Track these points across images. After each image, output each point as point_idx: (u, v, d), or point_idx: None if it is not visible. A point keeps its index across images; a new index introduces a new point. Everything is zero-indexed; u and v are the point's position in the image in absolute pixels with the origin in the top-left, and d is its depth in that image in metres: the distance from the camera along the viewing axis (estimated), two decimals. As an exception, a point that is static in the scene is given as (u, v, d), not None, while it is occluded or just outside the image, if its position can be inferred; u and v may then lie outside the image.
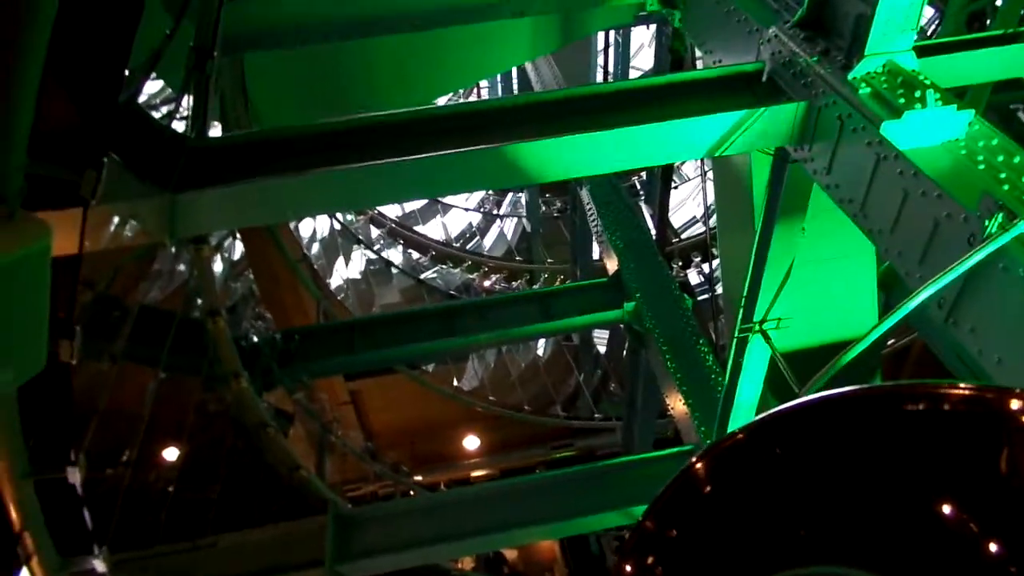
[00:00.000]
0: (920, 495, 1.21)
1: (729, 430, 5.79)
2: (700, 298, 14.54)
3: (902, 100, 3.39)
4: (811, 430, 1.37)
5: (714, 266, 14.18)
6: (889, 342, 12.46)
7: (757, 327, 4.77)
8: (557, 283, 17.49)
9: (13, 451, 3.22)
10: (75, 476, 3.33)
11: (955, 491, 1.18)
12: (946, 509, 1.17)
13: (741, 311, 4.88)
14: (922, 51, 3.76)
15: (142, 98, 4.34)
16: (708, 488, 1.41)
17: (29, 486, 3.37)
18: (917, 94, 3.38)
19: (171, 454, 7.07)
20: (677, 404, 6.75)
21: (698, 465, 1.45)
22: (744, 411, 5.33)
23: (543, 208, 19.79)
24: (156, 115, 6.03)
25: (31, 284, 2.36)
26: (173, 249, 4.92)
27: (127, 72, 3.55)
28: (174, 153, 3.94)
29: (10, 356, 2.37)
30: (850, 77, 3.68)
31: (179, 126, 4.42)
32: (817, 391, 1.51)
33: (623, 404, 10.61)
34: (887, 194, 3.32)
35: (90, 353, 4.16)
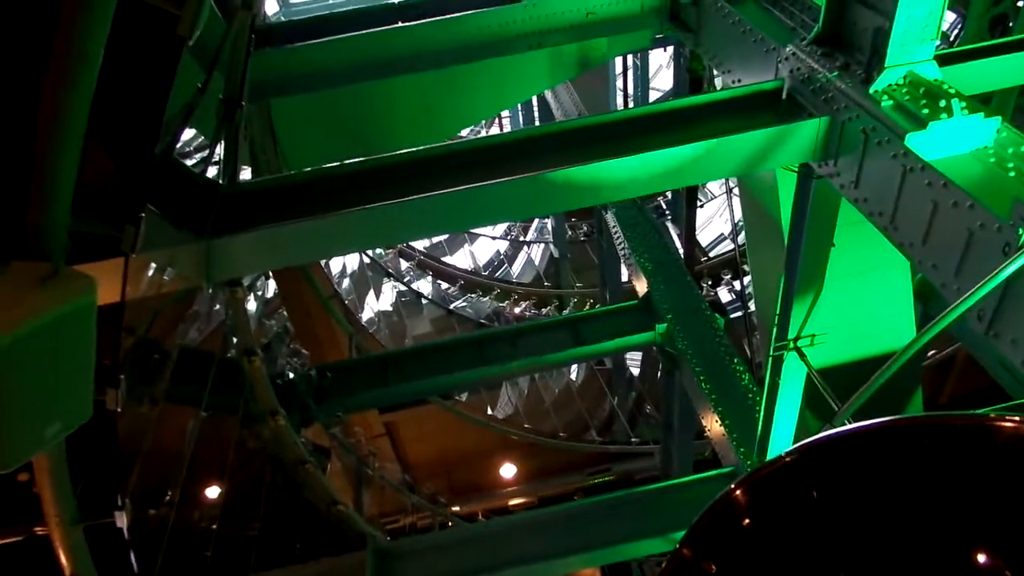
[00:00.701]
0: (969, 527, 1.19)
1: (769, 450, 5.69)
2: (732, 316, 14.35)
3: (926, 111, 3.36)
4: (851, 458, 1.35)
5: (745, 283, 14.04)
6: (930, 353, 12.14)
7: (792, 344, 4.71)
8: (587, 307, 17.55)
9: (62, 498, 3.30)
10: (122, 520, 3.39)
11: (1004, 526, 1.15)
12: (993, 545, 1.15)
13: (775, 329, 4.82)
14: (944, 59, 3.74)
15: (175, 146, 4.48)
16: (746, 515, 1.40)
17: (79, 532, 3.44)
18: (942, 103, 3.35)
19: (212, 492, 7.16)
20: (714, 425, 6.66)
21: (736, 492, 1.43)
22: (783, 429, 5.24)
23: (569, 233, 19.87)
24: (189, 162, 6.21)
25: (78, 337, 2.45)
26: (209, 292, 5.06)
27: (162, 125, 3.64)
28: (208, 200, 4.05)
29: (59, 408, 2.44)
30: (871, 90, 3.66)
31: (211, 171, 4.49)
32: (857, 409, 1.48)
33: (659, 427, 10.45)
34: (917, 206, 3.29)
35: (133, 397, 4.27)
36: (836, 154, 3.85)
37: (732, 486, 1.44)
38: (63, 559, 3.35)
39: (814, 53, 3.99)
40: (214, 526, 6.08)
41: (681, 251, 11.68)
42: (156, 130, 3.09)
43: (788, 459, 1.36)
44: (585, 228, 20.52)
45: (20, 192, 2.57)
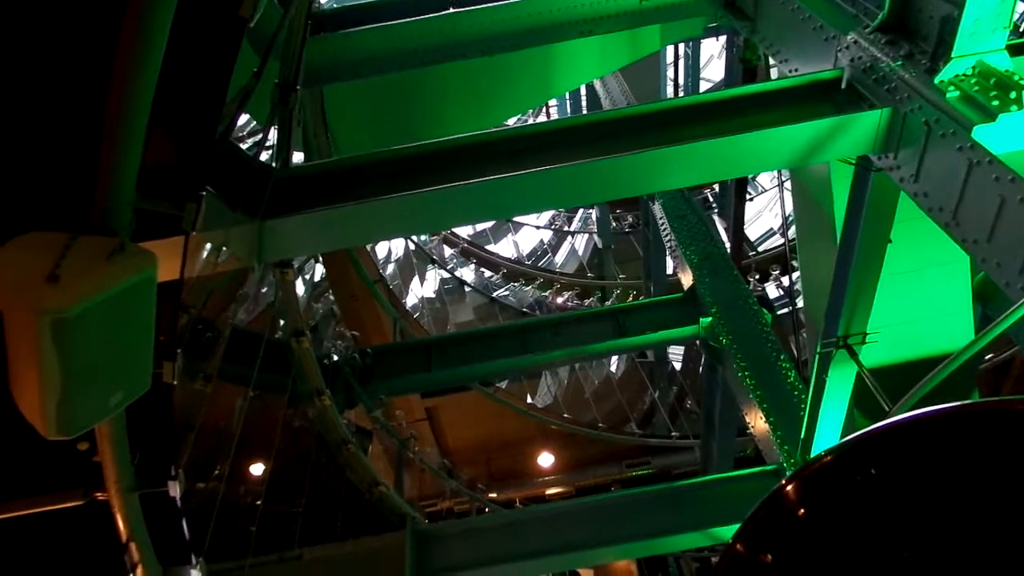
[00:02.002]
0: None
1: (814, 448, 5.59)
2: (779, 312, 14.08)
3: (996, 102, 3.23)
4: (907, 450, 1.32)
5: (794, 279, 13.76)
6: (987, 356, 11.71)
7: (841, 342, 4.59)
8: (630, 299, 17.35)
9: (121, 466, 3.45)
10: (175, 490, 3.53)
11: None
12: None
13: (823, 326, 4.72)
14: (1016, 49, 3.58)
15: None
16: (800, 510, 1.38)
17: (135, 499, 3.59)
18: (1012, 95, 3.21)
19: (257, 469, 7.38)
20: (758, 422, 6.56)
21: (788, 487, 1.42)
22: (828, 428, 5.14)
23: (614, 224, 19.76)
24: (243, 146, 6.38)
25: (140, 310, 2.55)
26: (260, 272, 5.22)
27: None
28: (261, 183, 4.13)
29: (121, 379, 2.55)
30: (936, 81, 3.53)
31: (265, 155, 4.58)
32: (909, 409, 1.45)
33: (700, 422, 10.36)
34: (982, 201, 3.16)
35: (187, 373, 4.43)
36: (896, 146, 3.73)
37: (784, 481, 1.43)
38: (120, 524, 3.50)
39: (877, 41, 3.86)
40: (259, 502, 6.26)
41: (728, 244, 11.42)
42: (217, 113, 3.32)
43: (848, 447, 1.33)
44: (630, 218, 20.27)
45: (89, 171, 2.69)
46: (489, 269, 19.98)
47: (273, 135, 4.92)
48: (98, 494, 3.63)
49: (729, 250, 10.72)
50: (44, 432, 2.40)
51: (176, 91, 3.03)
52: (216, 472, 5.30)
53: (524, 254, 21.65)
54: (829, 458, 1.40)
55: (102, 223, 2.72)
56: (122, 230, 2.74)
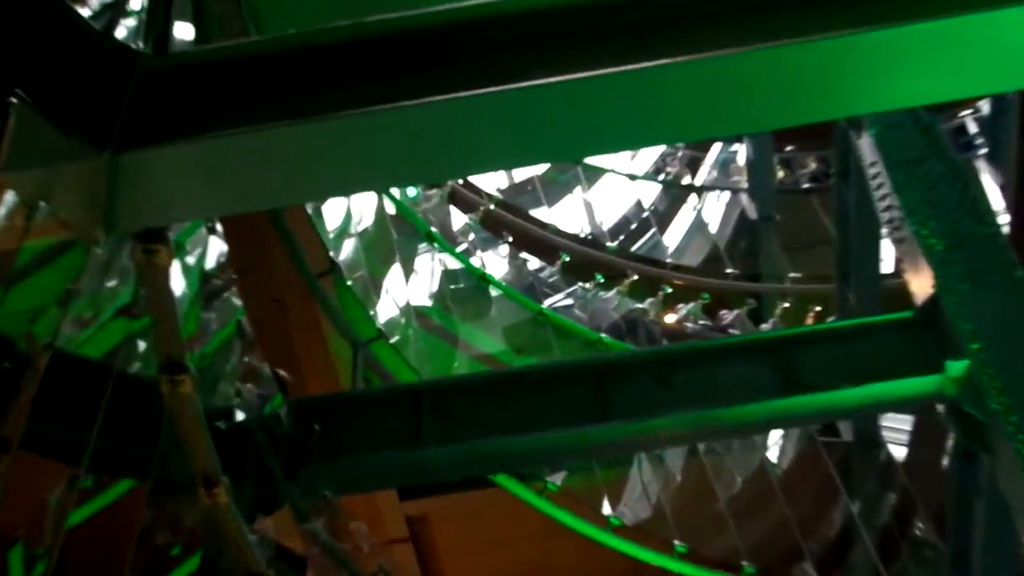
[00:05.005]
0: None
1: None
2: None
3: None
4: None
5: None
6: None
7: None
8: (809, 320, 12.60)
9: None
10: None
11: None
12: None
13: None
14: None
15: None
16: None
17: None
18: None
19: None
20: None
21: None
22: None
23: (781, 174, 13.94)
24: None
25: None
26: (107, 251, 3.19)
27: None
28: (118, 82, 2.72)
29: None
30: None
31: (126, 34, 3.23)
32: None
33: (947, 559, 7.39)
34: None
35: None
36: None
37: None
38: None
39: None
40: None
41: (1007, 219, 8.25)
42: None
43: None
44: (813, 166, 14.36)
45: None
46: (534, 254, 13.41)
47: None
48: None
49: (1009, 230, 7.73)
50: None
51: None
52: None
53: (605, 228, 14.69)
54: None
55: None
56: None
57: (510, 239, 12.36)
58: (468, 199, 12.44)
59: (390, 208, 10.61)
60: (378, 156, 2.81)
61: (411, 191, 11.11)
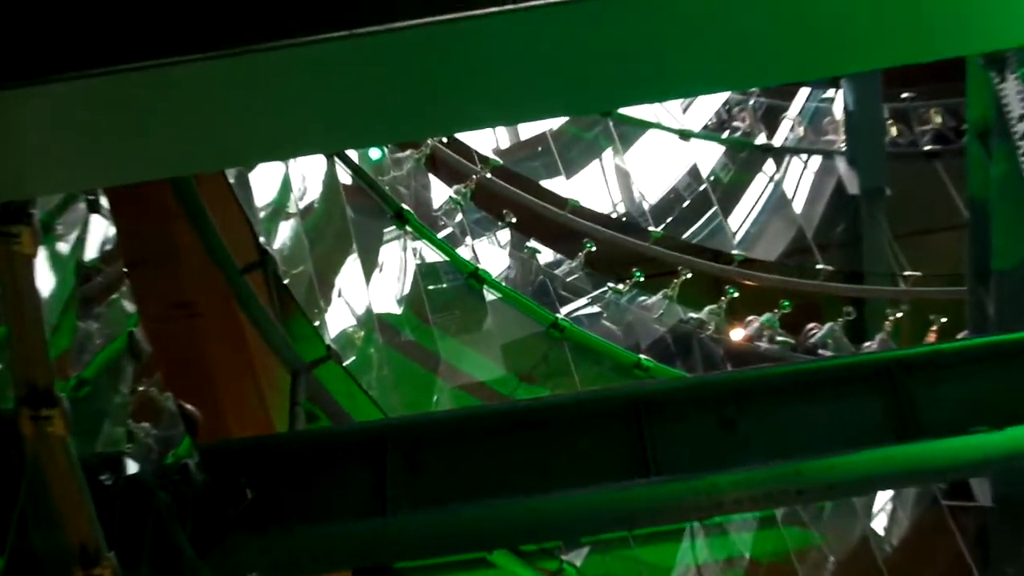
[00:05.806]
0: None
1: None
2: None
3: None
4: None
5: None
6: None
7: None
8: (931, 337, 10.20)
9: None
10: None
11: None
12: None
13: None
14: None
15: None
16: None
17: None
18: None
19: None
20: None
21: None
22: None
23: (894, 131, 10.19)
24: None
25: None
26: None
27: None
28: None
29: None
30: None
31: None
32: None
33: None
34: None
35: None
36: None
37: None
38: None
39: None
40: None
41: None
42: None
43: None
44: (938, 120, 10.38)
45: None
46: (548, 243, 10.39)
47: None
48: None
49: None
50: None
51: None
52: None
53: (645, 207, 11.23)
54: None
55: None
56: None
57: (512, 220, 10.02)
58: (454, 165, 9.75)
59: (344, 176, 8.12)
60: (321, 102, 1.98)
61: (374, 153, 8.35)
